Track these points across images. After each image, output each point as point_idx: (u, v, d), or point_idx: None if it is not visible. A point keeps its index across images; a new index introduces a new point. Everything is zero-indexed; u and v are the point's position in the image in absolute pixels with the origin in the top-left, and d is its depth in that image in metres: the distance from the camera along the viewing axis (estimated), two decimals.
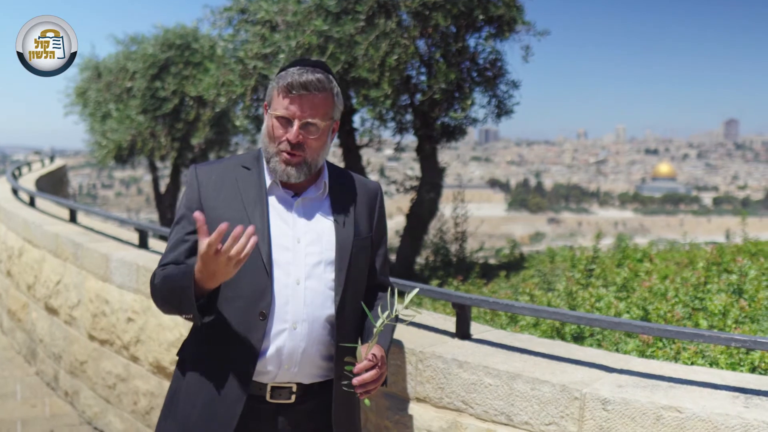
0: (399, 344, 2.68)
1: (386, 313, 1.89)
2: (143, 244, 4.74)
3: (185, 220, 2.07)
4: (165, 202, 15.59)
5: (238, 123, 9.69)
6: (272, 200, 2.07)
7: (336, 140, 8.88)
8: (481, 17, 7.87)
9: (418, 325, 2.91)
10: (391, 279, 2.45)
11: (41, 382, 5.66)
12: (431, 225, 9.37)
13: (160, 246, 4.77)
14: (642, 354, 3.25)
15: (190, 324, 2.13)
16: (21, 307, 6.25)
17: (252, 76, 7.99)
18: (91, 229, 5.51)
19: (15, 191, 8.36)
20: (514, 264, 8.89)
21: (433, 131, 8.50)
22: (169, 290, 1.94)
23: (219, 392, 2.00)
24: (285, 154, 2.01)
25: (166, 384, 3.91)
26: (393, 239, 9.40)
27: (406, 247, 8.94)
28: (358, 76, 7.37)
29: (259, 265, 1.98)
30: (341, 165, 8.23)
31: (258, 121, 9.06)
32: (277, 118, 2.01)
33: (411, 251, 8.99)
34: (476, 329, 2.87)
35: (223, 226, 1.74)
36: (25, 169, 14.72)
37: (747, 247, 6.47)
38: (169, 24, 14.96)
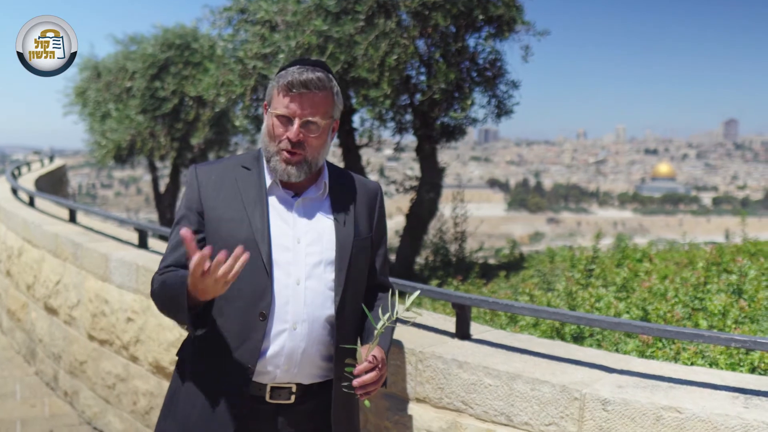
0: (399, 344, 2.68)
1: (387, 315, 1.89)
2: (143, 244, 4.73)
3: (185, 220, 2.07)
4: (164, 202, 15.59)
5: (237, 123, 9.68)
6: (272, 200, 2.07)
7: (336, 140, 8.89)
8: (480, 17, 7.87)
9: (417, 325, 2.91)
10: (391, 279, 2.46)
11: (41, 382, 5.65)
12: (431, 225, 9.37)
13: (160, 246, 4.76)
14: (642, 354, 3.25)
15: None
16: (20, 306, 6.24)
17: (252, 76, 7.98)
18: (91, 229, 5.51)
19: (14, 191, 8.35)
20: (514, 264, 8.89)
21: (432, 131, 8.50)
22: (168, 298, 1.96)
23: (219, 392, 2.00)
24: (285, 153, 2.00)
25: (166, 384, 3.91)
26: (393, 239, 9.40)
27: (406, 247, 8.94)
28: (358, 76, 7.36)
29: (259, 266, 1.98)
30: (341, 165, 8.23)
31: (257, 121, 9.06)
32: (278, 116, 2.01)
33: (411, 251, 8.99)
34: (476, 329, 2.87)
35: (206, 250, 1.74)
36: (24, 169, 14.71)
37: (746, 247, 6.47)
38: (168, 24, 14.99)
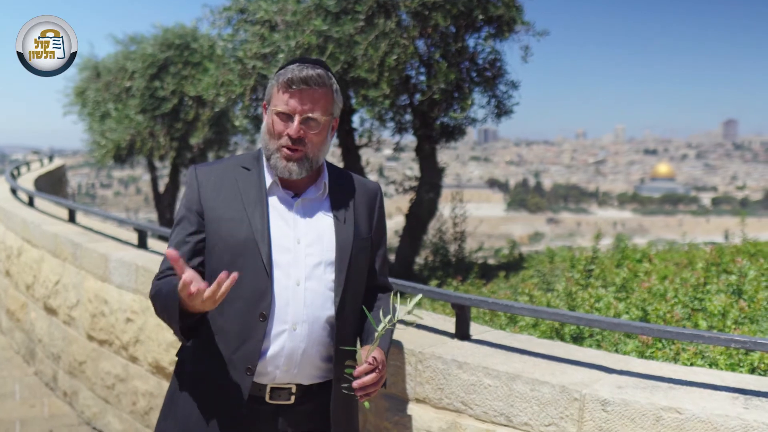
0: (398, 345, 2.68)
1: (388, 317, 1.89)
2: (142, 244, 4.73)
3: (185, 221, 2.07)
4: (164, 202, 15.57)
5: (237, 123, 9.67)
6: (272, 201, 2.06)
7: (335, 140, 8.89)
8: (480, 17, 7.87)
9: (417, 326, 2.91)
10: (391, 279, 2.45)
11: (40, 382, 5.65)
12: (430, 225, 9.36)
13: (160, 246, 4.76)
14: (641, 355, 3.25)
15: None
16: (20, 307, 6.24)
17: (251, 76, 7.97)
18: (90, 229, 5.51)
19: (14, 191, 8.35)
20: (513, 264, 8.89)
21: (432, 131, 8.49)
22: (162, 306, 1.97)
23: (219, 393, 2.01)
24: (286, 150, 2.00)
25: (165, 384, 3.91)
26: (392, 239, 9.40)
27: (406, 248, 8.94)
28: (358, 76, 7.36)
29: (260, 267, 1.98)
30: (340, 165, 8.23)
31: (257, 120, 9.05)
32: (278, 114, 2.01)
33: (410, 251, 8.98)
34: (475, 330, 2.87)
35: (186, 277, 1.74)
36: (24, 169, 14.71)
37: (746, 248, 6.47)
38: (168, 24, 14.94)
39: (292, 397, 2.04)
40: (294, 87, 1.99)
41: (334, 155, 9.64)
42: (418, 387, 2.62)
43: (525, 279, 7.03)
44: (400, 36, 7.47)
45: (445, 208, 9.91)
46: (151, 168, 16.21)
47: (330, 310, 2.04)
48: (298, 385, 2.04)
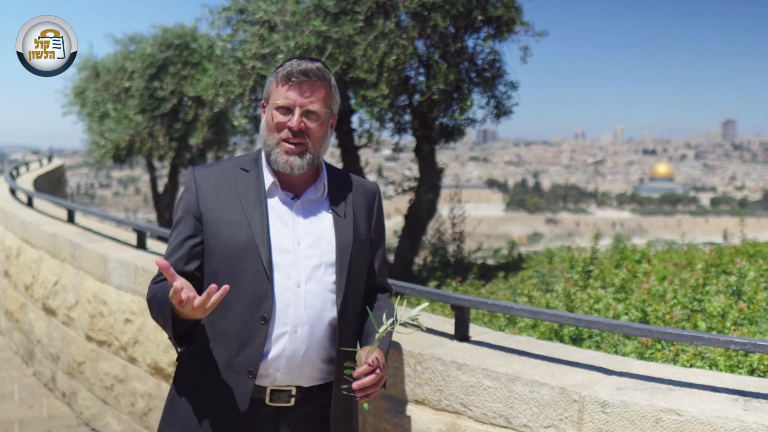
0: (397, 346, 2.68)
1: (390, 320, 1.89)
2: (141, 245, 4.73)
3: (182, 224, 2.06)
4: (163, 202, 15.56)
5: (236, 123, 9.67)
6: (272, 202, 2.06)
7: (334, 141, 8.89)
8: (479, 18, 7.86)
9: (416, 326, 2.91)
10: (390, 281, 2.45)
11: (39, 382, 5.65)
12: (429, 225, 9.36)
13: (159, 247, 4.76)
14: (641, 356, 3.25)
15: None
16: (19, 307, 6.24)
17: (250, 77, 7.97)
18: (89, 230, 5.50)
19: (13, 191, 8.35)
20: (513, 265, 8.88)
21: (431, 132, 8.48)
22: (156, 311, 1.99)
23: (220, 396, 2.00)
24: (286, 144, 2.00)
25: (164, 385, 3.90)
26: (391, 240, 9.39)
27: (405, 248, 8.93)
28: (357, 76, 7.36)
29: (260, 269, 1.97)
30: (339, 165, 8.22)
31: (256, 121, 9.03)
32: (278, 108, 2.01)
33: (409, 252, 8.98)
34: (475, 331, 2.87)
35: (177, 284, 1.75)
36: (23, 169, 14.72)
37: (745, 248, 6.48)
38: (167, 24, 14.94)
39: (292, 400, 2.03)
40: (293, 79, 1.99)
41: (333, 155, 9.63)
42: (417, 388, 2.62)
43: (524, 280, 7.03)
44: (399, 36, 7.47)
45: (443, 209, 9.90)
46: (150, 168, 16.19)
47: (331, 312, 2.03)
48: (298, 387, 2.04)
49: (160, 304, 1.93)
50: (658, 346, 3.29)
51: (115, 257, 4.41)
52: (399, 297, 2.07)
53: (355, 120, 8.93)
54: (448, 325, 2.91)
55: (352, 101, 7.82)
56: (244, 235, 1.99)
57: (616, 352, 3.39)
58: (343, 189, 2.16)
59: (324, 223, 2.08)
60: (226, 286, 1.76)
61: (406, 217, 9.04)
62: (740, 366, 2.97)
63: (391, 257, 8.89)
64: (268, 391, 2.02)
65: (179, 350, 2.09)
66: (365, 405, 1.95)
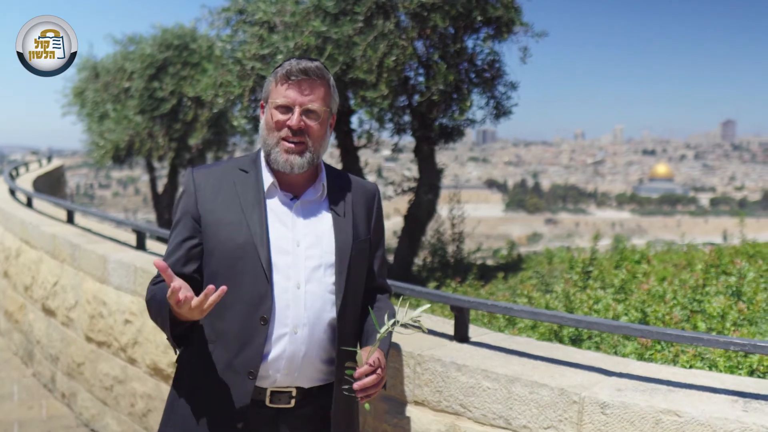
0: (397, 347, 2.68)
1: (392, 321, 1.88)
2: (141, 246, 4.73)
3: (180, 225, 2.07)
4: (162, 203, 15.57)
5: (236, 123, 9.67)
6: (271, 203, 2.06)
7: (334, 141, 8.89)
8: (479, 18, 7.86)
9: (416, 328, 2.91)
10: (390, 281, 2.45)
11: (38, 383, 5.64)
12: (429, 226, 9.36)
13: (158, 247, 4.76)
14: (640, 357, 3.25)
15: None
16: (18, 308, 6.23)
17: (250, 77, 7.97)
18: (89, 230, 5.50)
19: (12, 192, 8.35)
20: (512, 265, 8.88)
21: (431, 132, 8.48)
22: (155, 312, 1.99)
23: (220, 398, 2.00)
24: (286, 143, 2.00)
25: (164, 386, 3.90)
26: (391, 240, 9.39)
27: (404, 249, 8.93)
28: (356, 77, 7.35)
29: (259, 270, 1.97)
30: (339, 166, 8.22)
31: (256, 121, 9.02)
32: (277, 107, 2.01)
33: (409, 252, 8.98)
34: (474, 332, 2.87)
35: (175, 284, 1.75)
36: (22, 170, 14.72)
37: (745, 249, 6.48)
38: (167, 24, 14.95)
39: (293, 401, 2.03)
40: (293, 78, 1.99)
41: (332, 156, 9.63)
42: (417, 389, 2.62)
43: (524, 280, 7.03)
44: (398, 37, 7.47)
45: (443, 209, 9.91)
46: (150, 168, 16.20)
47: (331, 313, 2.03)
48: (299, 389, 2.04)
49: (158, 304, 1.93)
50: (658, 347, 3.29)
51: (115, 258, 4.41)
52: (401, 298, 2.07)
53: (354, 120, 8.93)
54: (448, 326, 2.91)
55: (352, 102, 7.82)
56: (243, 235, 1.99)
57: (615, 353, 3.39)
58: (342, 189, 2.16)
59: (323, 223, 2.08)
60: (223, 287, 1.77)
61: (406, 217, 9.04)
62: (740, 367, 2.97)
63: (390, 258, 8.89)
64: (268, 393, 2.01)
65: (177, 351, 2.08)
66: (366, 405, 1.95)
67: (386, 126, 8.65)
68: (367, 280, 2.19)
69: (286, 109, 2.00)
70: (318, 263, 2.03)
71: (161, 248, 4.64)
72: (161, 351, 3.94)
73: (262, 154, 2.09)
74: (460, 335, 2.77)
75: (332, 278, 2.04)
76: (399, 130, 8.69)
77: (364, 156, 9.60)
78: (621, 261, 6.24)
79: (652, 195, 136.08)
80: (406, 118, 8.61)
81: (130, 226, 5.08)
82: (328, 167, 2.19)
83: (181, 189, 2.15)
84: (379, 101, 7.49)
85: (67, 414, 5.02)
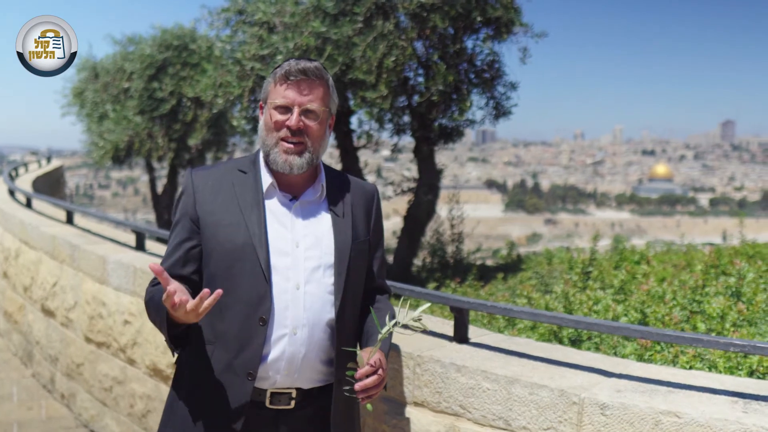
0: (396, 348, 2.67)
1: (393, 321, 1.88)
2: (140, 246, 4.72)
3: (179, 226, 2.07)
4: (162, 203, 15.57)
5: (235, 124, 9.67)
6: (270, 204, 2.05)
7: (333, 141, 8.89)
8: (478, 19, 7.87)
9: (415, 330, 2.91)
10: (390, 282, 2.45)
11: (37, 384, 5.64)
12: (428, 226, 9.36)
13: (158, 248, 4.76)
14: (640, 357, 3.25)
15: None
16: (17, 308, 6.23)
17: (249, 78, 7.97)
18: (88, 231, 5.50)
19: (12, 192, 8.34)
20: (512, 266, 8.88)
21: (430, 133, 8.49)
22: (153, 314, 1.99)
23: (220, 399, 1.99)
24: (285, 143, 2.00)
25: (163, 387, 3.90)
26: (390, 240, 9.39)
27: (404, 249, 8.93)
28: (356, 77, 7.36)
29: (257, 271, 1.97)
30: (338, 166, 8.23)
31: (255, 122, 9.02)
32: (276, 107, 2.01)
33: (408, 253, 8.98)
34: (474, 333, 2.87)
35: (170, 288, 1.75)
36: (22, 170, 14.74)
37: (744, 249, 6.48)
38: (166, 24, 14.94)
39: (292, 402, 2.03)
40: (292, 78, 1.99)
41: (332, 156, 9.64)
42: (417, 390, 2.62)
43: (523, 281, 7.03)
44: (398, 37, 7.47)
45: (442, 210, 9.91)
46: (150, 169, 16.20)
47: (330, 314, 2.03)
48: (298, 390, 2.03)
49: (156, 307, 1.93)
50: (658, 348, 3.29)
51: (114, 258, 4.41)
52: (401, 299, 2.07)
53: (354, 121, 8.93)
54: (447, 326, 2.91)
55: (351, 102, 7.82)
56: (241, 236, 1.99)
57: (615, 354, 3.39)
58: (341, 190, 2.16)
59: (322, 224, 2.07)
60: (219, 291, 1.77)
61: (405, 218, 9.04)
62: (740, 368, 2.97)
63: (390, 258, 8.89)
64: (268, 394, 2.01)
65: (175, 355, 2.08)
66: (368, 406, 1.95)
67: (386, 126, 8.65)
68: (367, 280, 2.19)
69: (285, 109, 2.00)
70: (317, 264, 2.03)
71: (161, 249, 4.64)
72: (161, 352, 3.94)
73: (261, 155, 2.09)
74: (460, 336, 2.77)
75: (331, 279, 2.04)
76: (398, 131, 8.69)
77: (364, 156, 9.61)
78: (620, 261, 6.24)
79: (651, 195, 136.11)
80: (406, 118, 8.61)
81: (130, 226, 5.08)
82: (327, 168, 2.19)
83: (180, 189, 2.14)
84: (378, 102, 7.49)
85: (66, 415, 5.02)
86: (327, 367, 2.05)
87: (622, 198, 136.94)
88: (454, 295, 2.92)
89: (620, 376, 2.34)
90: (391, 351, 2.65)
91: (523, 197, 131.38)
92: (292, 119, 1.98)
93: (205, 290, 1.76)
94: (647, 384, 2.24)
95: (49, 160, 19.63)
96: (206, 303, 1.76)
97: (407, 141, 9.21)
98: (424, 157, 8.81)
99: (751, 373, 2.94)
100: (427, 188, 8.82)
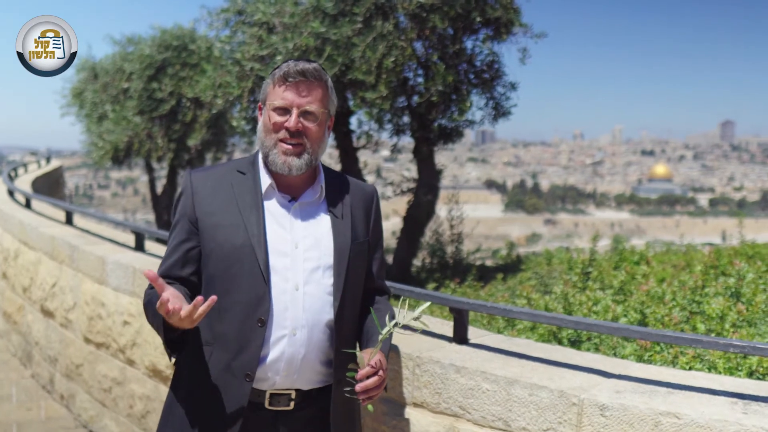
0: (396, 349, 2.67)
1: (393, 322, 1.88)
2: (140, 247, 4.72)
3: (178, 227, 2.07)
4: (161, 203, 15.57)
5: (235, 124, 9.69)
6: (269, 205, 2.05)
7: (332, 142, 8.89)
8: (478, 19, 7.87)
9: (415, 330, 2.91)
10: (389, 283, 2.45)
11: (37, 385, 5.64)
12: (428, 227, 9.36)
13: (157, 248, 4.75)
14: (640, 358, 3.25)
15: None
16: (17, 309, 6.23)
17: (249, 78, 7.97)
18: (88, 232, 5.50)
19: (11, 192, 8.34)
20: (511, 266, 8.89)
21: (430, 133, 8.49)
22: (151, 317, 1.98)
23: (218, 400, 1.99)
24: (284, 144, 2.00)
25: (162, 388, 3.89)
26: (390, 241, 9.39)
27: (403, 250, 8.93)
28: (355, 78, 7.36)
29: (256, 272, 1.97)
30: (338, 167, 8.23)
31: (255, 122, 9.03)
32: (275, 109, 2.00)
33: (408, 253, 8.98)
34: (474, 333, 2.86)
35: (164, 296, 1.74)
36: (21, 170, 14.73)
37: (744, 250, 6.48)
38: (166, 25, 14.94)
39: (292, 403, 2.03)
40: (291, 80, 1.99)
41: (331, 157, 9.64)
42: (416, 391, 2.61)
43: (523, 281, 7.03)
44: (397, 38, 7.47)
45: (442, 210, 9.91)
46: (149, 169, 16.21)
47: (329, 315, 2.03)
48: (298, 391, 2.03)
49: (153, 311, 1.93)
50: (657, 349, 3.29)
51: (114, 259, 4.41)
52: (401, 300, 2.07)
53: (353, 121, 8.94)
54: (447, 327, 2.91)
55: (351, 102, 7.83)
56: (240, 237, 1.98)
57: (615, 355, 3.39)
58: (340, 191, 2.15)
59: (322, 225, 2.07)
60: (213, 297, 1.76)
61: (405, 218, 9.04)
62: (739, 368, 2.97)
63: (389, 259, 8.89)
64: (267, 395, 2.01)
65: (172, 359, 2.08)
66: (369, 407, 1.95)
67: (385, 127, 8.66)
68: (366, 281, 2.18)
69: (284, 110, 2.00)
70: (316, 265, 2.02)
71: (160, 249, 4.64)
72: (160, 352, 3.93)
73: (260, 156, 2.09)
74: (460, 337, 2.77)
75: (331, 280, 2.03)
76: (398, 131, 8.70)
77: (363, 157, 9.61)
78: (620, 262, 6.24)
79: (651, 195, 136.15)
80: (405, 118, 8.62)
81: (129, 227, 5.07)
82: (327, 169, 2.19)
83: (179, 190, 2.14)
84: (378, 102, 7.49)
85: (65, 415, 5.02)
86: (326, 368, 2.05)
87: (622, 198, 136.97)
88: (453, 296, 2.92)
89: (620, 377, 2.34)
90: (391, 352, 2.65)
91: (522, 197, 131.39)
92: (291, 121, 1.98)
93: (199, 297, 1.75)
94: (647, 385, 2.24)
95: (48, 160, 19.63)
96: (200, 310, 1.75)
97: (407, 141, 9.22)
98: (423, 158, 8.82)
99: (750, 374, 2.94)
100: (426, 189, 8.82)
